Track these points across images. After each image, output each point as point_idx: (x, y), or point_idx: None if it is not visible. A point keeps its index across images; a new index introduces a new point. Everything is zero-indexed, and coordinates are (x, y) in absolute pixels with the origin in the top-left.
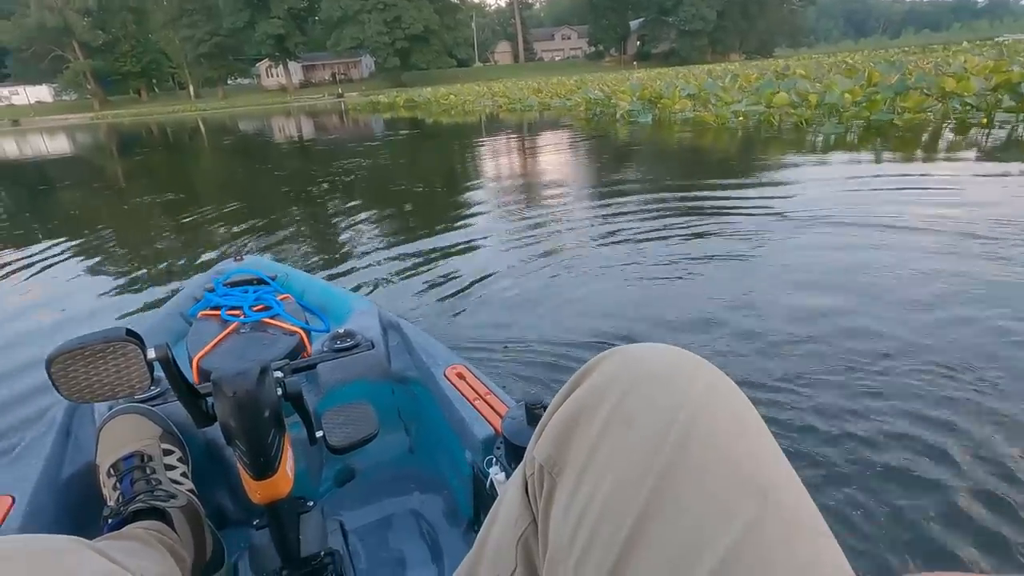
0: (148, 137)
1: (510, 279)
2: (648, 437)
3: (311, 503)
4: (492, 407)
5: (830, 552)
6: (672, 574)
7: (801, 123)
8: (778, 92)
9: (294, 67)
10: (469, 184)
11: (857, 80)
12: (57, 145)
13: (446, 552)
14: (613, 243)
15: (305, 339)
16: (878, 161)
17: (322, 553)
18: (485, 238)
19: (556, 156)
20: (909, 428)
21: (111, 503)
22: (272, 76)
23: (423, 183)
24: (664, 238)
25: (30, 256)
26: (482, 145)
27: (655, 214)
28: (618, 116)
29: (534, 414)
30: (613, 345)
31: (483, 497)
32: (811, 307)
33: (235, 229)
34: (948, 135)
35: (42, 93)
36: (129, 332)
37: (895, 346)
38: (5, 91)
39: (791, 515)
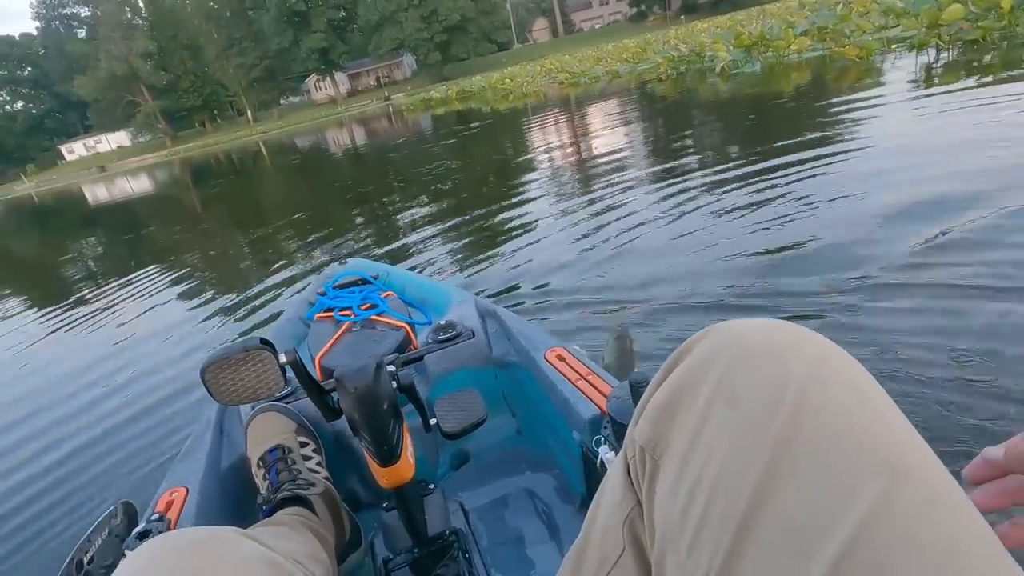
0: (217, 166)
1: (604, 260)
2: (756, 415)
3: (432, 486)
4: (595, 387)
5: (975, 525)
6: (798, 551)
7: (983, 39)
8: (950, 4)
9: (340, 77)
10: (553, 169)
11: None
12: (140, 185)
13: (562, 528)
14: (721, 214)
15: (411, 333)
16: None
17: (447, 532)
18: (579, 221)
19: (655, 125)
20: None
21: (263, 491)
22: (321, 89)
23: (498, 175)
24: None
25: (149, 288)
26: (554, 125)
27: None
28: (717, 70)
29: (639, 392)
30: (712, 322)
31: (594, 476)
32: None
33: (326, 239)
34: None
35: (121, 138)
36: (263, 341)
37: None
38: (91, 141)
39: (924, 487)
